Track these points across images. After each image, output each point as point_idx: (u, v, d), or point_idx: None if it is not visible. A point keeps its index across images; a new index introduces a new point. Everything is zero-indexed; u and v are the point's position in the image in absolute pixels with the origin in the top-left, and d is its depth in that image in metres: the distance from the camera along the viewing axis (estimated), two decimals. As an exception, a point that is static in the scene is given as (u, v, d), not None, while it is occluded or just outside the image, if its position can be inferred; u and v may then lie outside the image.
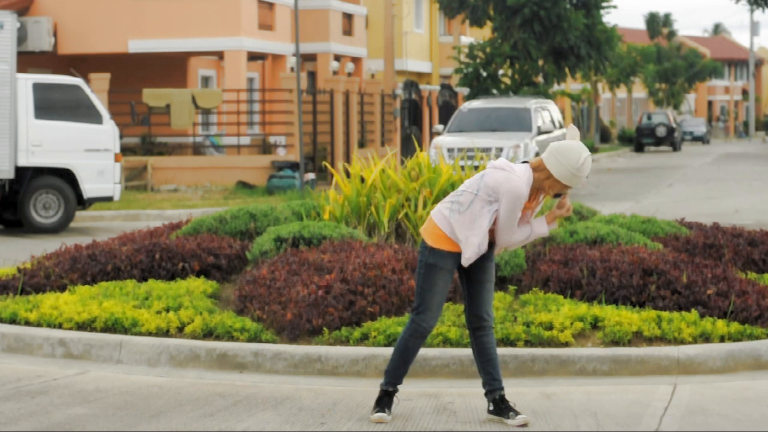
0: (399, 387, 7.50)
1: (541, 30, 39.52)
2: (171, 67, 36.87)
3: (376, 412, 7.40)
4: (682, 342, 8.96)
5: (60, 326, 9.66)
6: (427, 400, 7.93)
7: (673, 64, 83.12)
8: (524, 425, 7.27)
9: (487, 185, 7.13)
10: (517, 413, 7.31)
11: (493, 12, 40.95)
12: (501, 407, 7.36)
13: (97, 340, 9.28)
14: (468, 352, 8.48)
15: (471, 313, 7.40)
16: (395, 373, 7.43)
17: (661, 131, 63.27)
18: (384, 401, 7.44)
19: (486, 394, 7.43)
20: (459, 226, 7.17)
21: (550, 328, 9.05)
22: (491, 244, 7.31)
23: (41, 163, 20.51)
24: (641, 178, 36.03)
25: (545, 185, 7.18)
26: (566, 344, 8.91)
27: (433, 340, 8.82)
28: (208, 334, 9.29)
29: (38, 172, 20.60)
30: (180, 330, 9.42)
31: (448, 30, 55.77)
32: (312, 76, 40.73)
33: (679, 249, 11.19)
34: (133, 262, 10.85)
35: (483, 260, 7.33)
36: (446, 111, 44.71)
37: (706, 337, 9.03)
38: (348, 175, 12.78)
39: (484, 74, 40.76)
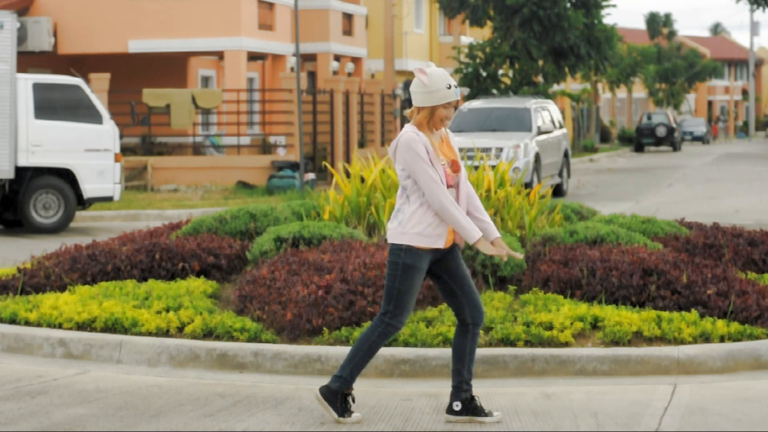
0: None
1: (541, 30, 39.52)
2: (171, 67, 36.88)
3: (349, 415, 7.31)
4: (682, 342, 8.96)
5: (60, 326, 9.66)
6: (427, 400, 7.93)
7: (673, 64, 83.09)
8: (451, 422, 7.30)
9: (396, 164, 7.13)
10: (456, 413, 7.31)
11: (492, 12, 40.96)
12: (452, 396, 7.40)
13: (97, 340, 9.28)
14: (468, 352, 8.48)
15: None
16: (356, 374, 7.32)
17: (661, 131, 63.26)
18: (348, 403, 7.33)
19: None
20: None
21: (550, 328, 9.05)
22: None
23: (41, 163, 20.51)
24: (641, 178, 36.03)
25: (433, 119, 7.13)
26: (566, 344, 8.91)
27: (433, 340, 8.82)
28: (208, 334, 9.29)
29: (38, 172, 20.60)
30: (180, 330, 9.42)
31: (448, 30, 55.77)
32: (312, 76, 40.73)
33: (679, 249, 11.18)
34: (133, 262, 10.85)
35: (446, 260, 7.26)
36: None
37: (706, 337, 9.03)
38: (348, 175, 12.78)
39: (484, 74, 40.77)
